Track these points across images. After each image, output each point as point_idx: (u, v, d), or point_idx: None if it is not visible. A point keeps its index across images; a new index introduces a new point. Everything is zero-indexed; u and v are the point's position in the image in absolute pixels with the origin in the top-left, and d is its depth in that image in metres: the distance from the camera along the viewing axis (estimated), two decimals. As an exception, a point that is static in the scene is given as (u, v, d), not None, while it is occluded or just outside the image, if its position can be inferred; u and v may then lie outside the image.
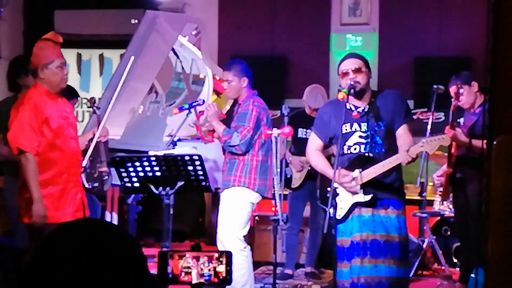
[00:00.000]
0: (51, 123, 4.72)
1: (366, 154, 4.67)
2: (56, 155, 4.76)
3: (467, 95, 5.94)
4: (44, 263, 1.51)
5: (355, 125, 4.71)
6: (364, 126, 4.70)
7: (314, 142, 4.95)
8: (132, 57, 5.66)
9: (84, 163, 5.07)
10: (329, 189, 4.54)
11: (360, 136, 4.70)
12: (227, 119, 5.72)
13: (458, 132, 5.72)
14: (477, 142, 5.71)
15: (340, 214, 4.67)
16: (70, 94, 6.07)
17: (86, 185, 5.04)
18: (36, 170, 4.65)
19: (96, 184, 5.42)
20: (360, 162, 4.65)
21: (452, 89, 5.93)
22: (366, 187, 4.62)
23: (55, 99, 4.85)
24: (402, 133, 4.69)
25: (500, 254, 1.73)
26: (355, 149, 4.70)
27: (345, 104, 4.65)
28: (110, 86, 6.34)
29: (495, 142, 1.72)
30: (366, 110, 4.73)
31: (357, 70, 4.68)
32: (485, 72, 1.75)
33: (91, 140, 5.16)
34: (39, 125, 4.68)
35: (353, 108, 4.74)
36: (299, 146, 6.87)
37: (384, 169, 4.55)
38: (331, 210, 4.47)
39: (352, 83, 4.63)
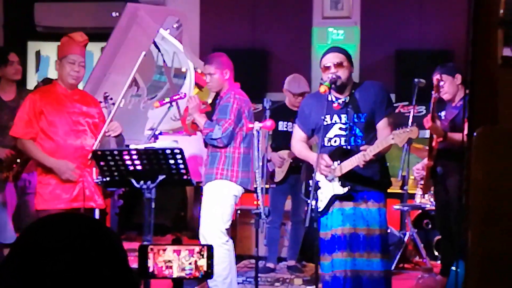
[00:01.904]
0: (46, 115, 4.93)
1: (345, 147, 4.69)
2: (52, 146, 4.95)
3: (448, 86, 5.96)
4: (22, 256, 1.49)
5: (335, 117, 4.73)
6: (344, 117, 4.72)
7: (298, 134, 4.99)
8: (143, 53, 5.62)
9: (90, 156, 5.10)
10: (311, 182, 4.56)
11: (340, 128, 4.72)
12: (210, 112, 5.69)
13: (435, 124, 5.75)
14: (453, 135, 5.75)
15: (320, 206, 4.68)
16: None
17: (95, 179, 5.09)
18: (35, 147, 4.94)
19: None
20: (339, 154, 4.67)
21: (434, 81, 5.96)
22: (344, 179, 4.64)
23: (69, 95, 5.06)
24: (382, 128, 4.71)
25: (480, 245, 1.73)
26: (335, 141, 4.73)
27: (326, 96, 4.67)
28: (91, 79, 6.31)
29: (475, 133, 1.72)
30: (346, 101, 4.74)
31: (339, 65, 4.69)
32: (466, 64, 1.75)
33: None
34: (36, 114, 4.92)
35: (334, 100, 4.75)
36: (280, 139, 6.86)
37: (354, 164, 4.57)
38: (313, 202, 4.48)
39: (334, 77, 4.65)
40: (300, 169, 6.73)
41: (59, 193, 4.95)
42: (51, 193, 4.94)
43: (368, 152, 4.50)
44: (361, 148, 4.57)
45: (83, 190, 5.01)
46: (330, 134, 4.74)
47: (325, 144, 4.73)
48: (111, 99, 5.49)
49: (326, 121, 4.72)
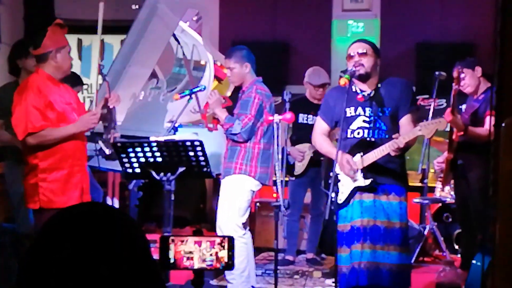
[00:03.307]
0: (55, 106, 4.74)
1: (368, 139, 4.67)
2: (62, 139, 4.76)
3: (469, 79, 5.93)
4: (46, 247, 1.50)
5: (359, 109, 4.72)
6: (368, 110, 4.70)
7: (320, 126, 4.97)
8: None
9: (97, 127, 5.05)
10: (331, 174, 4.55)
11: (364, 121, 4.71)
12: (232, 106, 5.69)
13: (456, 118, 5.71)
14: (473, 129, 5.71)
15: (341, 198, 4.67)
16: (74, 81, 6.06)
17: (107, 152, 5.01)
18: (51, 129, 4.69)
19: (112, 151, 5.36)
20: (362, 146, 4.65)
21: (454, 74, 5.93)
22: (366, 171, 4.62)
23: (58, 84, 4.86)
24: (405, 123, 4.69)
25: (508, 238, 1.71)
26: (358, 133, 4.71)
27: (350, 88, 4.66)
28: (111, 72, 6.32)
29: (503, 124, 1.70)
30: (371, 95, 4.73)
31: (362, 54, 4.68)
32: (494, 55, 1.73)
33: (103, 107, 5.10)
34: (43, 108, 4.69)
35: (358, 91, 4.74)
36: (300, 132, 6.85)
37: (384, 153, 4.54)
38: (333, 195, 4.47)
39: (354, 69, 4.64)
40: (320, 163, 6.73)
41: (68, 190, 4.78)
42: (61, 190, 4.77)
43: (401, 139, 4.46)
44: (393, 136, 4.54)
45: (82, 186, 4.90)
46: (354, 126, 4.72)
47: (348, 135, 4.72)
48: (103, 67, 5.38)
49: (350, 113, 4.71)
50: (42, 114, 4.68)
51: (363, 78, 4.71)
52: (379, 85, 4.76)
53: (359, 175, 4.65)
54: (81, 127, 4.78)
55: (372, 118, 4.69)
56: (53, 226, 1.53)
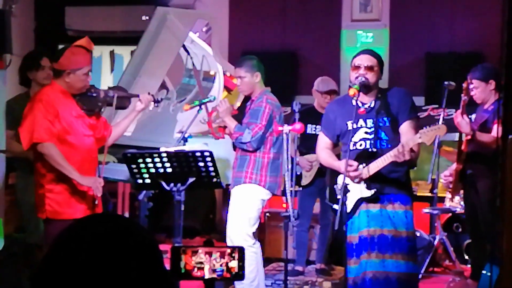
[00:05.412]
0: (62, 119, 4.76)
1: (370, 150, 4.68)
2: (68, 151, 4.76)
3: (481, 92, 5.91)
4: (58, 258, 1.51)
5: (361, 121, 4.74)
6: (369, 122, 4.72)
7: (323, 141, 4.98)
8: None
9: None
10: (336, 186, 4.57)
11: (366, 132, 4.73)
12: (239, 115, 5.72)
13: (464, 121, 5.69)
14: (481, 135, 5.70)
15: (347, 209, 4.68)
16: None
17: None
18: (60, 153, 4.68)
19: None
20: (364, 157, 4.66)
21: (464, 84, 5.92)
22: (370, 182, 4.63)
23: (70, 97, 4.89)
24: (405, 130, 4.68)
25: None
26: (360, 145, 4.73)
27: (351, 101, 4.67)
28: (121, 83, 6.36)
29: (510, 136, 1.71)
30: (372, 106, 4.75)
31: (369, 68, 4.69)
32: (500, 67, 1.74)
33: None
34: (53, 118, 4.71)
35: (360, 105, 4.74)
36: (308, 142, 6.85)
37: (386, 162, 4.55)
38: (339, 206, 4.49)
39: (364, 80, 4.65)
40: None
41: (74, 202, 4.79)
42: (67, 202, 4.77)
43: (400, 147, 4.44)
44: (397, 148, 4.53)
45: (93, 197, 4.88)
46: (356, 138, 4.74)
47: (351, 147, 4.72)
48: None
49: (352, 126, 4.73)
50: (52, 125, 4.70)
51: (366, 91, 4.73)
52: (379, 95, 4.77)
53: (363, 186, 4.66)
54: (84, 182, 4.74)
55: (373, 129, 4.71)
56: (65, 238, 1.55)
